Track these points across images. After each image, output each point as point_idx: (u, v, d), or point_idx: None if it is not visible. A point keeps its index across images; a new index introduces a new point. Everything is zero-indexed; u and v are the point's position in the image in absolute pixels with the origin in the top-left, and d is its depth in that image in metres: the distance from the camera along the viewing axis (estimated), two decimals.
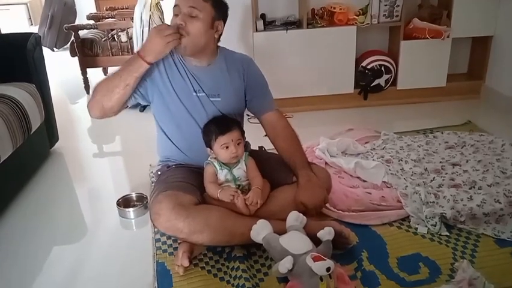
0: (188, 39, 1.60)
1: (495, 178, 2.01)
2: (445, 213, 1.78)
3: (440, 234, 1.75)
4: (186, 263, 1.55)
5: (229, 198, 1.61)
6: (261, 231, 1.55)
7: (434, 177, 2.10)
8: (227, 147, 1.65)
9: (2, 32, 3.23)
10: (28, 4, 6.28)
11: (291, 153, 1.76)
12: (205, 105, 1.71)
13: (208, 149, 1.71)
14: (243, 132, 1.76)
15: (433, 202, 1.86)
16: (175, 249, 1.68)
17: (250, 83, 1.78)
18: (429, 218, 1.79)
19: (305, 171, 1.70)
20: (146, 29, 3.22)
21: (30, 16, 6.35)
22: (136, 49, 3.39)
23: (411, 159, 2.28)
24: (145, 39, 3.23)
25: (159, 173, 1.83)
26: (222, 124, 1.68)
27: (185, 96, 1.70)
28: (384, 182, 2.09)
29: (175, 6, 1.61)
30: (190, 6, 1.58)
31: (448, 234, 1.75)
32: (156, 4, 3.22)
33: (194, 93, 1.70)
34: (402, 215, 1.87)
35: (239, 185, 1.72)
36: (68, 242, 1.93)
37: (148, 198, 1.74)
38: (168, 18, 3.29)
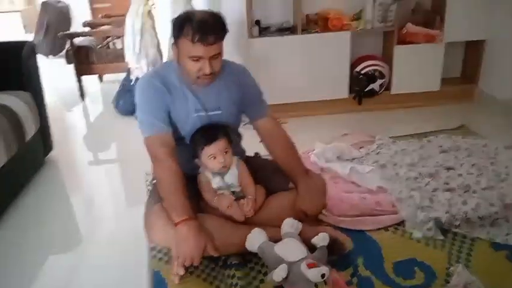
0: (216, 75, 1.64)
1: (489, 182, 2.02)
2: (440, 218, 1.79)
3: (435, 239, 1.75)
4: (182, 272, 1.55)
5: (225, 209, 1.62)
6: (255, 240, 1.56)
7: (428, 182, 2.10)
8: (214, 158, 1.65)
9: None
10: (23, 12, 6.28)
11: (288, 161, 1.76)
12: (206, 123, 1.70)
13: (197, 160, 1.70)
14: (232, 138, 1.74)
15: (428, 206, 1.87)
16: (171, 257, 1.68)
17: (246, 92, 1.78)
18: (424, 222, 1.79)
19: (304, 179, 1.70)
20: (138, 38, 3.21)
21: (25, 24, 6.35)
22: (127, 58, 3.35)
23: (406, 164, 2.28)
24: (136, 48, 3.22)
25: (154, 181, 1.82)
26: (208, 134, 1.66)
27: (187, 117, 1.69)
28: (379, 187, 2.09)
29: (196, 56, 1.56)
30: (216, 53, 1.58)
31: (443, 238, 1.76)
32: (148, 12, 3.22)
33: (195, 114, 1.69)
34: (397, 219, 1.88)
35: (233, 192, 1.72)
36: (63, 251, 1.93)
37: (144, 208, 1.73)
38: (160, 26, 3.31)
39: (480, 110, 3.24)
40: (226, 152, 1.66)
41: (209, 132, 1.67)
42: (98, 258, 1.84)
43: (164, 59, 3.33)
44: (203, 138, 1.66)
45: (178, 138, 1.71)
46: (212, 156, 1.64)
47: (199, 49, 1.53)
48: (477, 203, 1.82)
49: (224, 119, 1.73)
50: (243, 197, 1.69)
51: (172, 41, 1.66)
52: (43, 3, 5.59)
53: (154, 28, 3.30)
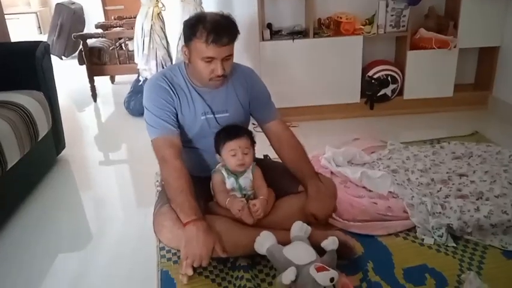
0: (227, 77, 1.67)
1: (502, 189, 1.98)
2: (452, 224, 1.76)
3: (446, 245, 1.73)
4: (190, 272, 1.54)
5: (236, 212, 1.61)
6: (264, 242, 1.55)
7: (440, 188, 2.08)
8: (234, 155, 1.66)
9: (12, 40, 3.27)
10: (38, 13, 6.36)
11: (298, 164, 1.76)
12: (213, 125, 1.72)
13: (217, 155, 1.71)
14: (254, 142, 1.75)
15: (440, 213, 1.85)
16: (179, 257, 1.68)
17: (254, 95, 1.79)
18: (436, 228, 1.77)
19: (314, 182, 1.69)
20: (147, 39, 3.23)
21: (39, 25, 6.43)
22: (136, 59, 3.38)
23: (418, 170, 2.26)
24: (145, 49, 3.23)
25: (163, 182, 1.83)
26: (231, 130, 1.69)
27: (194, 119, 1.71)
28: (390, 192, 2.07)
29: (208, 57, 1.57)
30: (229, 55, 1.61)
31: (455, 245, 1.73)
32: (158, 14, 3.24)
33: (203, 117, 1.71)
34: (409, 225, 1.86)
35: (245, 194, 1.72)
36: (73, 250, 1.94)
37: (153, 208, 1.74)
38: (169, 28, 3.33)
39: (493, 117, 3.20)
40: (246, 153, 1.67)
41: (233, 128, 1.70)
42: (108, 256, 1.85)
43: (174, 61, 3.35)
44: (226, 133, 1.68)
45: (185, 140, 1.72)
46: (232, 151, 1.65)
47: (212, 50, 1.54)
48: (490, 211, 1.80)
49: (232, 121, 1.74)
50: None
51: (183, 43, 1.67)
52: (57, 4, 5.67)
53: (163, 30, 3.31)
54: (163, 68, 3.24)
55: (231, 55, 1.62)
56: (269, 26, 3.17)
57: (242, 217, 1.62)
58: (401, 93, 3.27)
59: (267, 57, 3.10)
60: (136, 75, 3.64)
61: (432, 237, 1.77)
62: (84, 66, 3.92)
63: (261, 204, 1.64)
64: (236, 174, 1.70)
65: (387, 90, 3.21)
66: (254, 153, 1.75)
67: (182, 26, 1.67)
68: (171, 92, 1.68)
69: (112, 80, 4.66)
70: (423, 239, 1.77)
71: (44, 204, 2.29)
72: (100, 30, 4.36)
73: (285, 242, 1.56)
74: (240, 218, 1.63)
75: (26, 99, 2.34)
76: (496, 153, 2.42)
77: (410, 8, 3.05)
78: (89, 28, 5.57)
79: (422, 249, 1.73)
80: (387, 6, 3.05)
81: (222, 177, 1.70)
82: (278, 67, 3.11)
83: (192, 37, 1.57)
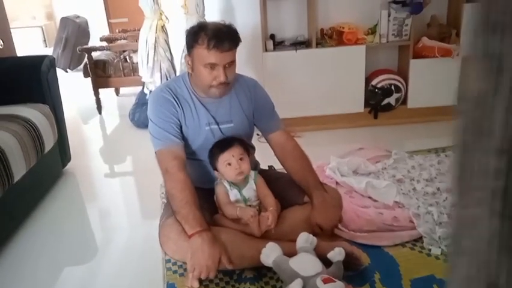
0: (230, 85, 1.67)
1: None
2: None
3: None
4: (196, 285, 1.53)
5: (249, 217, 1.60)
6: (270, 254, 1.54)
7: (446, 197, 2.07)
8: (229, 164, 1.65)
9: (18, 54, 3.31)
10: (43, 27, 6.44)
11: (303, 174, 1.76)
12: (218, 136, 1.73)
13: (216, 172, 1.72)
14: (248, 148, 1.75)
15: (446, 222, 1.83)
16: (185, 270, 1.67)
17: (258, 106, 1.80)
18: (443, 238, 1.76)
19: (319, 192, 1.69)
20: (151, 52, 3.25)
21: (45, 38, 6.50)
22: (140, 71, 3.40)
23: (423, 179, 2.25)
24: (150, 62, 3.26)
25: (168, 194, 1.83)
26: (221, 143, 1.69)
27: (198, 130, 1.71)
28: (396, 201, 2.06)
29: (211, 63, 1.59)
30: (231, 61, 1.62)
31: None
32: (162, 27, 3.27)
33: (207, 127, 1.71)
34: (415, 235, 1.84)
35: (250, 206, 1.71)
36: (79, 262, 1.94)
37: (159, 220, 1.74)
38: (173, 41, 3.35)
39: None
40: (241, 159, 1.67)
41: (223, 141, 1.70)
42: (113, 269, 1.85)
43: (177, 73, 3.37)
44: (217, 147, 1.68)
45: (189, 152, 1.73)
46: (227, 162, 1.65)
47: (214, 56, 1.56)
48: None
49: (236, 132, 1.74)
50: (260, 211, 1.68)
51: (186, 52, 1.68)
52: (62, 18, 5.73)
53: (167, 42, 3.34)
54: (167, 80, 3.26)
55: (233, 62, 1.63)
56: (272, 36, 3.19)
57: (251, 226, 1.61)
58: (404, 102, 3.27)
59: (270, 67, 3.11)
60: (141, 87, 3.67)
61: (440, 247, 1.75)
62: (89, 79, 3.95)
63: (274, 216, 1.63)
64: (238, 186, 1.70)
65: (391, 99, 3.21)
66: (251, 160, 1.74)
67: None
68: (175, 104, 1.69)
69: (117, 92, 4.69)
70: (430, 249, 1.76)
71: (51, 216, 2.29)
72: (104, 43, 4.41)
73: (291, 253, 1.55)
74: (251, 225, 1.61)
75: (31, 112, 2.36)
76: None
77: (412, 17, 3.07)
78: (94, 41, 5.62)
79: (430, 260, 1.71)
80: (389, 15, 3.07)
81: (225, 189, 1.70)
82: (281, 77, 3.13)
83: (194, 44, 1.59)
